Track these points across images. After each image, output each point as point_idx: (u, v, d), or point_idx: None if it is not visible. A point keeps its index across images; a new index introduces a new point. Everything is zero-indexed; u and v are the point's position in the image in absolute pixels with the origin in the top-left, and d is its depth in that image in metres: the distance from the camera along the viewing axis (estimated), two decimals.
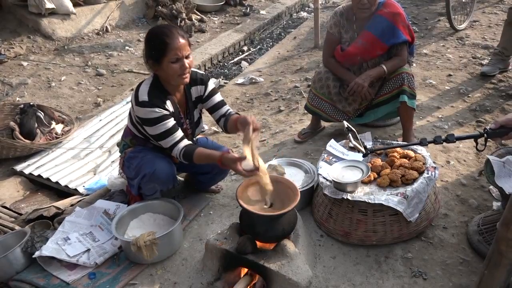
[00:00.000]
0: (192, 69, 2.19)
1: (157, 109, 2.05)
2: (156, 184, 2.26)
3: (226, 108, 2.33)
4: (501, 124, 1.87)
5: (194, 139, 2.47)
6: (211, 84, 2.31)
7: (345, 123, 2.25)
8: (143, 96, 2.06)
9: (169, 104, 2.14)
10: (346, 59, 2.80)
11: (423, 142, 2.06)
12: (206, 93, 2.28)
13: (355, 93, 2.75)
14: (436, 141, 2.01)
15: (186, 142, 2.14)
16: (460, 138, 2.06)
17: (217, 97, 2.32)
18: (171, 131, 2.09)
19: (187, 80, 2.11)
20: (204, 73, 2.31)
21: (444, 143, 2.93)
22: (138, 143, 2.31)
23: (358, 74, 2.79)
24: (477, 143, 1.99)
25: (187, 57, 2.05)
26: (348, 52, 2.76)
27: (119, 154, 2.45)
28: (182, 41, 2.01)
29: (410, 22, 2.84)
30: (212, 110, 2.32)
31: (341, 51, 2.80)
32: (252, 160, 1.91)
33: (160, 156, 2.25)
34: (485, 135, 1.90)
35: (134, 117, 2.18)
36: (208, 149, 2.14)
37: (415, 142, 2.19)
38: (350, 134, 2.16)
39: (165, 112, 2.08)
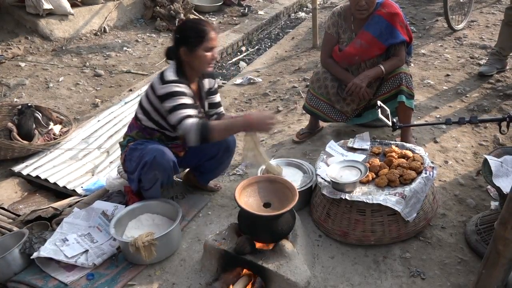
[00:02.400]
0: None
1: (182, 85, 2.17)
2: (157, 172, 2.22)
3: (221, 108, 2.53)
4: None
5: None
6: (217, 82, 2.49)
7: (379, 102, 2.44)
8: (171, 77, 2.17)
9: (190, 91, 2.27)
10: (344, 59, 2.80)
11: (447, 122, 2.27)
12: (214, 88, 2.45)
13: (353, 93, 2.75)
14: (460, 122, 2.22)
15: (203, 120, 2.15)
16: (483, 121, 2.35)
17: (218, 97, 2.51)
18: (187, 106, 2.13)
19: (211, 69, 2.27)
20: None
21: (443, 144, 2.96)
22: (144, 135, 2.33)
23: (356, 74, 2.79)
24: (500, 126, 2.14)
25: (215, 49, 2.23)
26: (346, 52, 2.76)
27: (121, 151, 2.44)
28: (215, 34, 2.20)
29: (408, 22, 2.84)
30: (211, 106, 2.47)
31: (339, 51, 2.80)
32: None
33: (161, 145, 2.26)
34: (508, 119, 2.07)
35: (151, 100, 2.23)
36: (227, 120, 2.25)
37: (440, 122, 2.44)
38: (379, 110, 2.35)
39: (187, 91, 2.18)
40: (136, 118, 2.35)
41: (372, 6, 2.65)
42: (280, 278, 1.86)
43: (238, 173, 2.92)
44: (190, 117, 2.09)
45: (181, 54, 2.19)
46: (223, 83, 4.69)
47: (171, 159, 2.23)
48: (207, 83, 2.40)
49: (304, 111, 3.20)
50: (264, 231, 1.95)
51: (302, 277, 1.89)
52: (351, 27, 2.79)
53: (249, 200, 2.02)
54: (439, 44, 4.65)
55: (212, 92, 2.44)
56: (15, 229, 2.44)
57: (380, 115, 2.33)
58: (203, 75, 2.35)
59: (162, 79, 2.17)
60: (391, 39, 2.69)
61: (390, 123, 2.38)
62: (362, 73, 2.74)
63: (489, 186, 2.53)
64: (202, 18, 6.50)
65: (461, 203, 2.46)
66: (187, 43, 2.15)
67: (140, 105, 2.32)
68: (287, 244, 1.97)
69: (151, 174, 2.23)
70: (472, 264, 2.07)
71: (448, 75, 3.96)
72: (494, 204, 2.38)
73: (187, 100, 2.15)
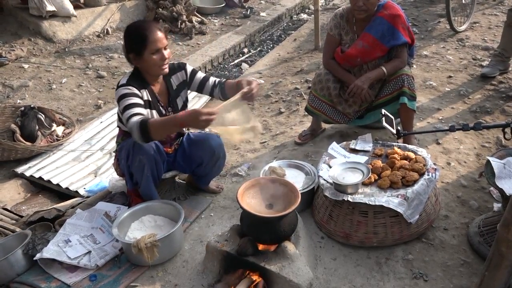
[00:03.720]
0: None
1: (130, 87, 2.17)
2: (141, 156, 2.20)
3: (212, 79, 2.41)
4: None
5: (188, 131, 2.56)
6: (189, 67, 2.42)
7: (383, 111, 2.44)
8: (122, 82, 2.21)
9: (145, 93, 2.24)
10: (346, 61, 2.80)
11: (451, 129, 2.26)
12: (188, 76, 2.39)
13: (354, 94, 2.75)
14: (464, 128, 2.21)
15: (145, 117, 2.10)
16: (486, 127, 2.33)
17: (200, 75, 2.42)
18: (134, 105, 2.11)
19: (166, 70, 2.24)
20: (179, 61, 2.41)
21: (445, 146, 2.95)
22: (127, 138, 2.34)
23: (358, 76, 2.79)
24: (504, 132, 2.13)
25: (165, 49, 2.18)
26: (348, 54, 2.76)
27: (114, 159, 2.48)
28: (160, 33, 2.14)
29: (410, 24, 2.85)
30: (200, 87, 2.41)
31: (341, 53, 2.81)
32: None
33: None
34: (511, 125, 2.06)
35: (117, 106, 2.28)
36: (165, 117, 2.18)
37: (444, 129, 2.43)
38: (383, 118, 2.36)
39: (136, 92, 2.17)
40: (118, 125, 2.45)
41: (372, 8, 2.65)
42: (283, 279, 1.86)
43: (240, 174, 2.93)
44: (135, 115, 2.07)
45: (132, 61, 2.20)
46: None
47: (152, 142, 2.21)
48: (176, 78, 2.37)
49: (306, 113, 3.20)
50: (267, 232, 1.95)
51: (305, 278, 1.89)
52: (353, 29, 2.79)
53: (251, 201, 2.02)
54: (441, 46, 4.64)
55: (189, 79, 2.39)
56: (18, 230, 2.45)
57: (384, 123, 2.33)
58: (169, 74, 2.31)
59: (117, 85, 2.22)
60: (392, 41, 2.69)
61: (394, 131, 2.38)
62: (364, 74, 2.74)
63: (491, 188, 2.52)
64: (203, 18, 6.52)
65: (464, 205, 2.45)
66: (133, 49, 2.15)
67: (117, 112, 2.38)
68: (289, 246, 1.96)
69: (137, 161, 2.22)
70: (475, 266, 2.07)
71: (450, 76, 3.95)
72: (496, 206, 2.38)
73: (135, 100, 2.14)
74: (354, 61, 2.78)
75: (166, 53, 2.17)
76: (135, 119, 2.04)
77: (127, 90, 2.16)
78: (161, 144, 2.34)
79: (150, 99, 2.27)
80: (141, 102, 2.18)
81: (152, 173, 2.29)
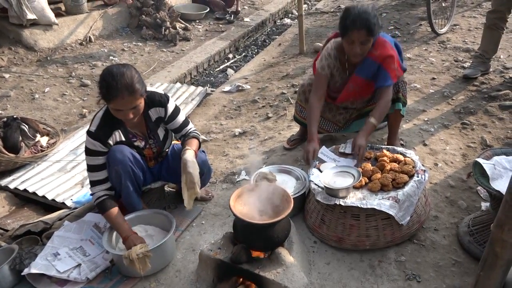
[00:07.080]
0: (152, 89, 2.27)
1: (94, 142, 2.16)
2: (116, 167, 2.19)
3: (187, 128, 2.40)
4: None
5: (174, 142, 2.54)
6: (171, 105, 2.31)
7: None
8: (93, 126, 2.17)
9: (117, 134, 2.23)
10: (339, 103, 2.79)
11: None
12: (167, 116, 2.31)
13: (358, 154, 2.50)
14: None
15: (108, 188, 2.25)
16: None
17: (180, 118, 2.36)
18: (97, 168, 2.22)
19: (133, 121, 2.14)
20: (163, 94, 2.29)
21: (432, 147, 2.98)
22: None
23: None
24: None
25: (133, 108, 2.06)
26: (341, 99, 2.72)
27: None
28: (125, 97, 2.00)
29: (394, 33, 2.82)
30: (176, 131, 2.41)
31: (333, 91, 2.76)
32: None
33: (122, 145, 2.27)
34: None
35: None
36: (121, 219, 2.19)
37: None
38: None
39: (101, 149, 2.18)
40: None
41: (366, 52, 2.51)
42: (278, 286, 1.85)
43: (231, 181, 2.91)
44: (100, 183, 2.23)
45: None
46: (211, 90, 4.68)
47: (128, 151, 2.22)
48: (154, 112, 2.28)
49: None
50: (260, 239, 1.94)
51: (300, 284, 1.88)
52: (345, 68, 2.68)
53: (244, 208, 2.01)
54: (424, 48, 4.73)
55: (167, 120, 2.31)
56: (4, 244, 2.38)
57: None
58: (148, 106, 2.22)
59: (90, 124, 2.18)
60: (379, 82, 2.57)
61: None
62: (359, 133, 2.53)
63: (479, 187, 2.56)
64: (187, 25, 6.49)
65: (453, 205, 2.49)
66: (100, 94, 2.05)
67: None
68: (283, 252, 1.96)
69: (113, 172, 2.22)
70: (466, 265, 2.09)
71: (433, 78, 4.02)
72: (484, 205, 2.42)
73: (98, 160, 2.20)
74: (347, 101, 2.78)
75: (131, 112, 2.06)
76: (96, 191, 2.22)
77: (91, 145, 2.17)
78: (142, 158, 2.34)
79: (124, 139, 2.25)
80: (102, 161, 2.20)
81: (131, 183, 2.27)
